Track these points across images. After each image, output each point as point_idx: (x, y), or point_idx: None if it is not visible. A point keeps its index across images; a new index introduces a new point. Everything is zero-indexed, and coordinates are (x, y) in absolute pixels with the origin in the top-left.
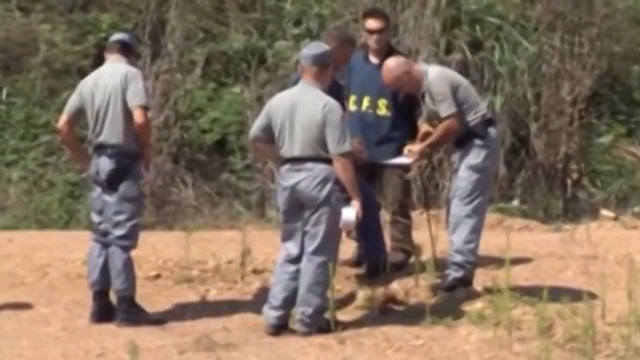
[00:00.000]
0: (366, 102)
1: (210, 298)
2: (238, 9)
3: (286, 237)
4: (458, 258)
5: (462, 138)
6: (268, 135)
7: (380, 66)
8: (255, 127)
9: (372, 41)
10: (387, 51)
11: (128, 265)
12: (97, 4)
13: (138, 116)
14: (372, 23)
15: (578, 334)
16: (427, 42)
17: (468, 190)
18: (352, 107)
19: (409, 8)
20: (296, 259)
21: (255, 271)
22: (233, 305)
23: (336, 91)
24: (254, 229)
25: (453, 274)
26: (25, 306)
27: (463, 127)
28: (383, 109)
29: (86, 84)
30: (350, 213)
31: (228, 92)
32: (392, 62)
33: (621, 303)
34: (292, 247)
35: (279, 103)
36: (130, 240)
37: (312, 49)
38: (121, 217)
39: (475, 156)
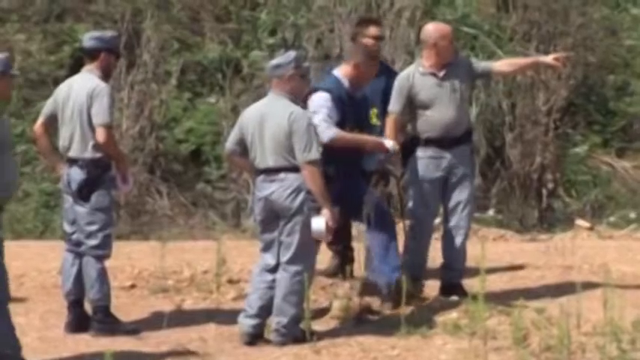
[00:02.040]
0: None
1: (185, 308)
2: (213, 19)
3: (264, 247)
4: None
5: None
6: (243, 148)
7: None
8: (230, 141)
9: (374, 48)
10: None
11: (102, 275)
12: (73, 14)
13: (99, 135)
14: (376, 30)
15: (553, 344)
16: (402, 52)
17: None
18: None
19: (384, 18)
20: (274, 269)
21: (230, 281)
22: (208, 315)
23: (364, 105)
24: (229, 239)
25: (456, 280)
26: None
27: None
28: (373, 118)
29: (60, 91)
30: (320, 222)
31: (204, 102)
32: None
33: (597, 313)
34: (270, 257)
35: (249, 115)
36: (103, 250)
37: (276, 59)
38: (94, 228)
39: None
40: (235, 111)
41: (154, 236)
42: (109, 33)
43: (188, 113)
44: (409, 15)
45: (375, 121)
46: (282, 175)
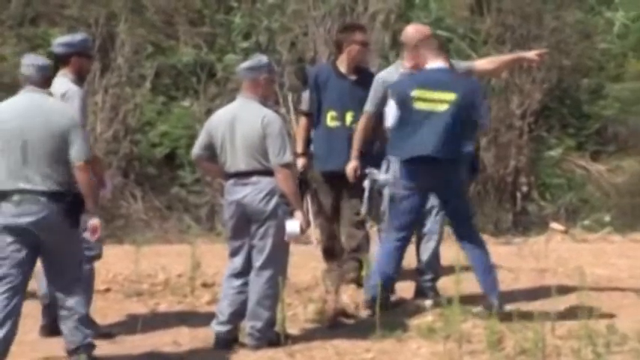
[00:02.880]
0: (349, 117)
1: (159, 312)
2: (187, 23)
3: (233, 252)
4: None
5: None
6: (210, 152)
7: (357, 81)
8: (197, 146)
9: (360, 54)
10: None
11: (88, 278)
12: (47, 19)
13: None
14: (362, 36)
15: (528, 348)
16: (377, 55)
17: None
18: (332, 123)
19: (359, 22)
20: (241, 274)
21: (204, 285)
22: (183, 319)
23: None
24: (204, 242)
25: (430, 283)
26: None
27: None
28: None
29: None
30: (294, 225)
31: (178, 106)
32: None
33: (571, 316)
34: (238, 262)
35: (218, 119)
36: (91, 250)
37: (249, 62)
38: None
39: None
40: (209, 114)
41: (128, 240)
42: (78, 36)
43: (162, 117)
44: (383, 18)
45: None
46: (254, 179)
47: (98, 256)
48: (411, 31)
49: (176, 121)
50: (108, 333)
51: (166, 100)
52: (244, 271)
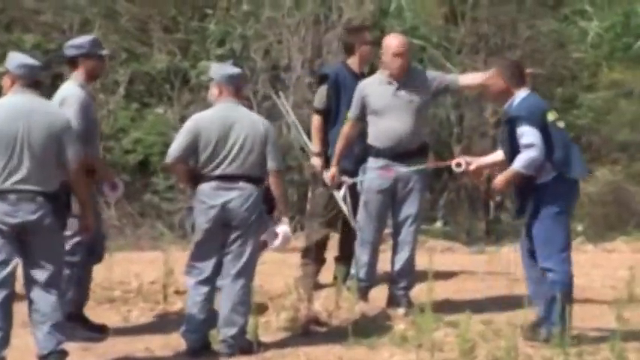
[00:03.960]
0: None
1: (132, 319)
2: (162, 30)
3: (201, 257)
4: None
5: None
6: (189, 154)
7: None
8: (178, 148)
9: (372, 55)
10: None
11: (70, 281)
12: (21, 24)
13: None
14: (371, 36)
15: (500, 356)
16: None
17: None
18: None
19: (333, 29)
20: (208, 280)
21: (177, 292)
22: (155, 326)
23: None
24: (176, 249)
25: (403, 291)
26: None
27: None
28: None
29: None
30: (285, 229)
31: (152, 113)
32: None
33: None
34: (207, 268)
35: (209, 121)
36: (73, 256)
37: (229, 69)
38: (66, 233)
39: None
40: (183, 121)
41: None
42: (86, 38)
43: (136, 124)
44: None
45: None
46: (241, 184)
47: (78, 263)
48: (389, 39)
49: (150, 127)
50: (90, 337)
51: (140, 107)
52: (212, 277)
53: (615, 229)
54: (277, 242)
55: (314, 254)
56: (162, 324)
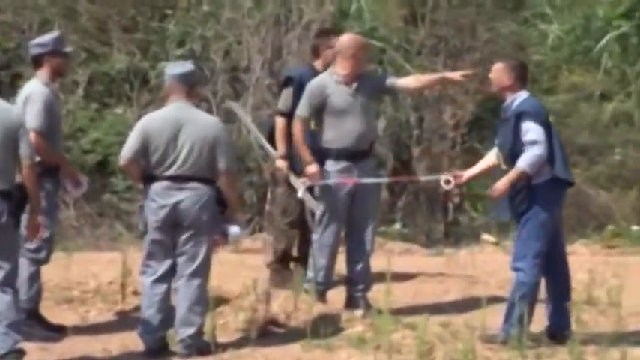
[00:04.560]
0: None
1: (90, 319)
2: (121, 30)
3: (154, 256)
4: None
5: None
6: (140, 156)
7: None
8: (130, 150)
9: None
10: None
11: (32, 279)
12: None
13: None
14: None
15: (458, 358)
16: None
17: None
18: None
19: (292, 31)
20: (162, 278)
21: (135, 293)
22: (113, 326)
23: None
24: (135, 250)
25: (361, 293)
26: None
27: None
28: None
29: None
30: (236, 229)
31: (111, 113)
32: None
33: (502, 327)
34: (161, 267)
35: (159, 122)
36: (39, 253)
37: (180, 67)
38: None
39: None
40: None
41: (59, 247)
42: (49, 36)
43: (95, 124)
44: (318, 27)
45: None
46: (194, 185)
47: (44, 260)
48: (348, 40)
49: (109, 128)
50: (49, 336)
51: (99, 107)
52: (167, 276)
53: (574, 232)
54: (227, 242)
55: (284, 258)
56: (120, 324)
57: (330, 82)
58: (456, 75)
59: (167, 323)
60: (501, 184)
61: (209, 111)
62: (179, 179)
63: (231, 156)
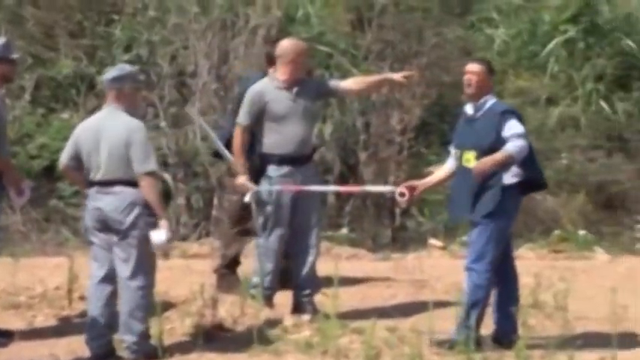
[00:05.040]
0: None
1: (36, 325)
2: (68, 35)
3: (94, 259)
4: (311, 283)
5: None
6: (77, 162)
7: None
8: (65, 156)
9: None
10: None
11: None
12: None
13: None
14: None
15: None
16: (257, 70)
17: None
18: None
19: (239, 36)
20: (105, 281)
21: (82, 298)
22: (60, 331)
23: None
24: (81, 255)
25: (307, 298)
26: None
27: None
28: None
29: None
30: (160, 235)
31: (57, 118)
32: None
33: (449, 332)
34: (99, 269)
35: (83, 129)
36: None
37: (113, 72)
38: None
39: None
40: None
41: (5, 252)
42: None
43: (42, 129)
44: (264, 32)
45: None
46: (117, 189)
47: None
48: (288, 45)
49: (55, 133)
50: (8, 331)
51: (46, 112)
52: (109, 278)
53: (521, 237)
54: (152, 247)
55: (232, 264)
56: (66, 329)
57: (270, 88)
58: (399, 76)
59: (112, 328)
60: (486, 161)
61: (156, 116)
62: (104, 184)
63: (146, 156)
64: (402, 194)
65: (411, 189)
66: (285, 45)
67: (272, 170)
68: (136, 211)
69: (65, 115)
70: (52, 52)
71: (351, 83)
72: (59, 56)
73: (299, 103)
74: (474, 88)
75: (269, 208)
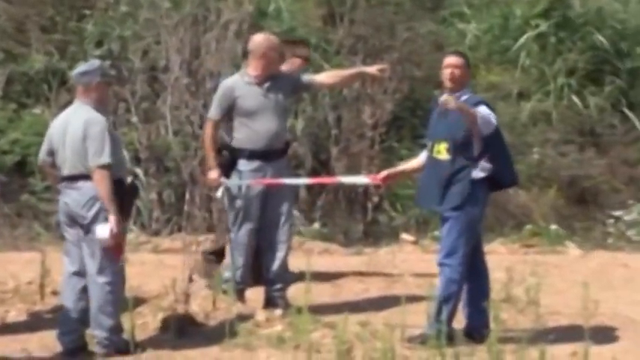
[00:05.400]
0: None
1: (9, 320)
2: (39, 30)
3: (66, 253)
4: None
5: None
6: (50, 158)
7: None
8: (42, 153)
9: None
10: None
11: None
12: None
13: None
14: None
15: (377, 358)
16: (229, 64)
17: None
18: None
19: (211, 31)
20: (76, 274)
21: (54, 293)
22: (32, 326)
23: None
24: (53, 250)
25: (279, 293)
26: None
27: None
28: None
29: None
30: (104, 229)
31: (29, 113)
32: None
33: (421, 326)
34: (71, 264)
35: (54, 125)
36: None
37: (82, 66)
38: None
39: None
40: None
41: None
42: None
43: (13, 124)
44: (236, 27)
45: None
46: (79, 184)
47: None
48: (259, 40)
49: (27, 128)
50: None
51: (17, 108)
52: (81, 274)
53: (493, 231)
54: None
55: (220, 253)
56: (39, 324)
57: (241, 83)
58: (373, 69)
59: (84, 322)
60: (456, 103)
61: (127, 111)
62: (69, 179)
63: (100, 149)
64: (377, 187)
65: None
66: (258, 39)
67: (242, 164)
68: (97, 205)
69: (37, 111)
70: (23, 47)
71: (324, 77)
72: (31, 51)
73: (270, 98)
74: (457, 81)
75: (239, 202)
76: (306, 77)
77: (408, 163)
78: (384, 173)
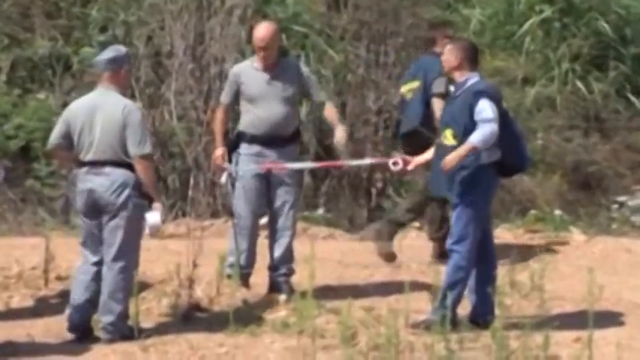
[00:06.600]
0: None
1: (13, 305)
2: (44, 15)
3: (84, 241)
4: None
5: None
6: (68, 142)
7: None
8: (55, 136)
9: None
10: None
11: None
12: None
13: None
14: None
15: (381, 343)
16: (233, 50)
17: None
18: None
19: (215, 16)
20: (96, 263)
21: (58, 278)
22: (36, 311)
23: None
24: (58, 235)
25: (284, 278)
26: None
27: None
28: None
29: None
30: (155, 216)
31: (33, 98)
32: None
33: (425, 312)
34: (89, 253)
35: (77, 108)
36: None
37: (104, 53)
38: None
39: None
40: (65, 107)
41: None
42: None
43: (18, 109)
44: (240, 13)
45: None
46: (108, 169)
47: None
48: (259, 28)
49: (31, 113)
50: None
51: (22, 93)
52: (98, 262)
53: (497, 217)
54: (146, 230)
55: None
56: (43, 309)
57: (248, 69)
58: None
59: (93, 304)
60: (451, 157)
61: (132, 96)
62: (96, 164)
63: (143, 139)
64: (395, 163)
65: (405, 161)
66: (258, 28)
67: (243, 148)
68: (127, 192)
69: (41, 96)
70: (28, 33)
71: (327, 110)
72: (35, 37)
73: (275, 85)
74: (445, 67)
75: (239, 186)
76: (318, 95)
77: (430, 151)
78: (413, 163)
